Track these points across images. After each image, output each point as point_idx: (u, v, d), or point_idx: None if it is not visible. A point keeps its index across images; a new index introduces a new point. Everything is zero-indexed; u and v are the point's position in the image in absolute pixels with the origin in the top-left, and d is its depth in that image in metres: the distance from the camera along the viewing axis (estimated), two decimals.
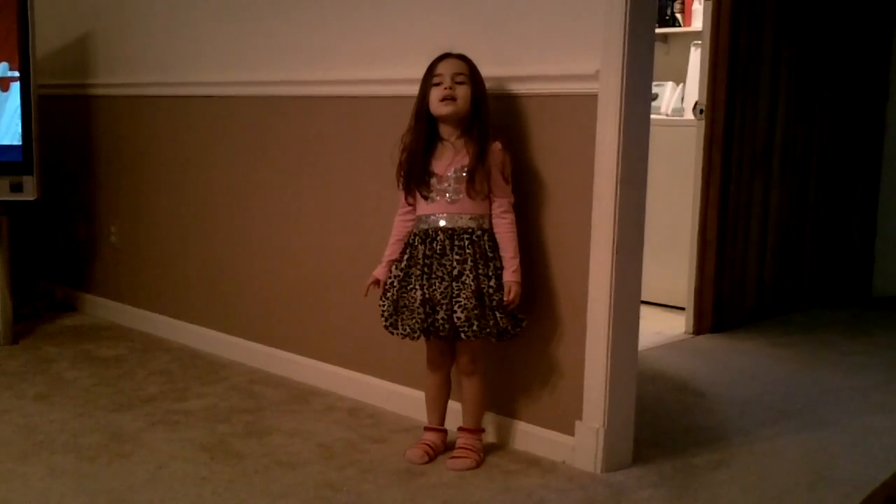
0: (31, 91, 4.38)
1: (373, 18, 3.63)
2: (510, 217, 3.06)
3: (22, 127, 4.39)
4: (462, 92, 3.02)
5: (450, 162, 3.03)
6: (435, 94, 3.03)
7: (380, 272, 3.15)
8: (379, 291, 3.14)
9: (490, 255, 3.02)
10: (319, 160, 3.87)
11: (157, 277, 4.75)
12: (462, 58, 3.06)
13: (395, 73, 3.53)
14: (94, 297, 5.16)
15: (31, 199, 4.43)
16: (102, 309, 5.09)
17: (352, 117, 3.74)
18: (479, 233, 3.02)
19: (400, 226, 3.15)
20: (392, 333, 3.11)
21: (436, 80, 3.03)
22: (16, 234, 4.61)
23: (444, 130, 3.07)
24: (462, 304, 2.97)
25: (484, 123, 3.04)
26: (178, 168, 4.56)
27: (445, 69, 3.03)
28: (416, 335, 3.05)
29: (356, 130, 3.72)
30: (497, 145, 3.04)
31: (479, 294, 2.98)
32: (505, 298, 3.00)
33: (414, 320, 3.02)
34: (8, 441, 3.27)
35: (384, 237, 3.21)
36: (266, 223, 4.12)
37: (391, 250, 3.15)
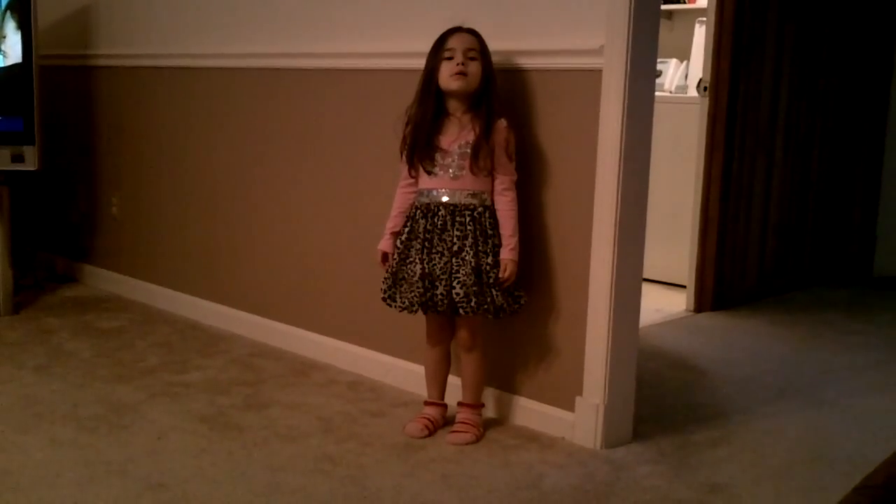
0: (33, 61, 4.36)
1: None
2: (511, 195, 3.05)
3: (23, 97, 4.38)
4: (474, 68, 3.00)
5: (455, 137, 3.02)
6: (446, 68, 3.01)
7: (385, 245, 3.16)
8: (387, 264, 3.15)
9: (490, 232, 3.01)
10: (321, 133, 3.86)
11: (158, 249, 4.75)
12: (473, 32, 3.03)
13: (399, 46, 3.51)
14: (94, 268, 5.16)
15: (32, 169, 4.42)
16: (103, 280, 5.08)
17: (354, 90, 3.72)
18: (480, 209, 3.01)
19: (401, 198, 3.15)
20: (390, 306, 3.11)
21: (447, 53, 3.01)
22: (16, 205, 4.61)
23: (452, 105, 3.05)
24: (461, 280, 2.97)
25: (491, 100, 3.02)
26: (179, 140, 4.55)
27: (457, 43, 3.01)
28: (414, 308, 3.05)
29: (358, 104, 3.71)
30: (502, 122, 3.02)
31: (477, 271, 2.97)
32: (500, 276, 3.00)
33: (413, 293, 3.02)
34: (8, 411, 3.27)
35: (384, 210, 3.20)
36: (267, 196, 4.12)
37: (393, 222, 3.14)
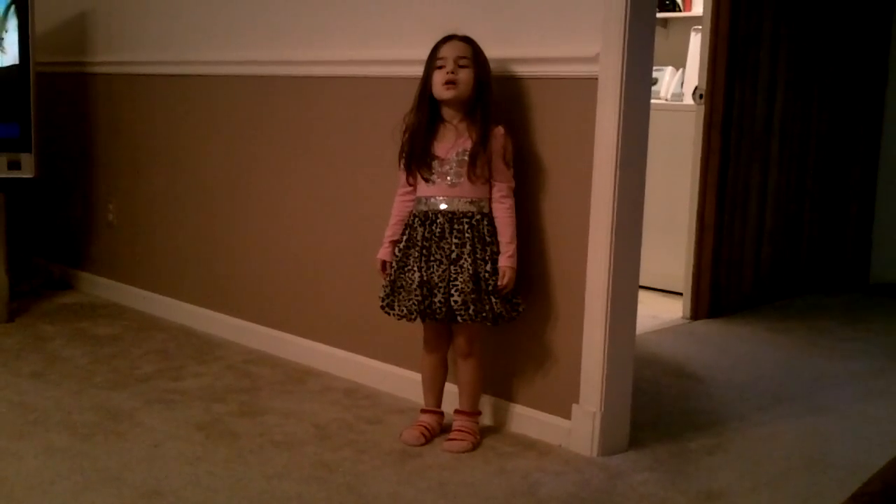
0: (30, 68, 4.36)
1: None
2: (509, 202, 3.05)
3: (20, 104, 4.37)
4: (464, 76, 3.00)
5: (452, 145, 3.02)
6: (437, 77, 3.01)
7: (384, 253, 3.16)
8: (385, 272, 3.14)
9: (488, 239, 3.01)
10: (317, 140, 3.86)
11: (154, 256, 4.74)
12: (466, 40, 3.04)
13: (393, 53, 3.51)
14: (90, 275, 5.16)
15: (29, 176, 4.43)
16: (99, 287, 5.08)
17: (349, 98, 3.72)
18: (478, 217, 3.01)
19: (400, 206, 3.15)
20: (388, 314, 3.11)
21: (439, 62, 3.02)
22: (13, 212, 4.60)
23: (447, 113, 3.05)
24: (459, 288, 2.96)
25: (487, 107, 3.02)
26: (175, 147, 4.55)
27: (449, 52, 3.01)
28: (412, 317, 3.05)
29: (353, 111, 3.71)
30: (500, 130, 3.02)
31: (475, 278, 2.97)
32: (499, 283, 2.99)
33: (411, 301, 3.02)
34: (2, 419, 3.26)
35: (381, 218, 3.20)
36: (263, 203, 4.11)
37: (392, 231, 3.14)
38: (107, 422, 3.25)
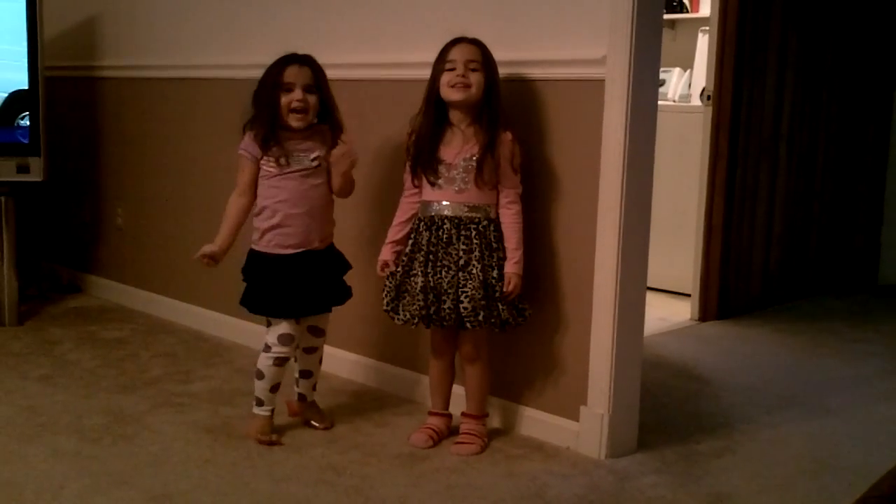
0: (39, 72, 4.38)
1: (379, 1, 3.62)
2: (516, 207, 3.03)
3: (29, 108, 4.39)
4: (476, 79, 2.96)
5: (459, 150, 3.01)
6: (446, 78, 2.98)
7: (384, 253, 3.14)
8: (386, 271, 3.13)
9: (495, 245, 3.00)
10: None
11: (163, 259, 4.75)
12: (476, 43, 3.01)
13: (401, 56, 3.51)
14: (99, 278, 5.17)
15: (38, 180, 4.44)
16: (107, 291, 5.09)
17: (356, 101, 3.72)
18: (485, 223, 3.00)
19: (405, 208, 3.13)
20: (392, 319, 3.10)
21: (448, 65, 2.99)
22: (22, 216, 4.61)
23: (455, 116, 3.03)
24: (469, 294, 2.95)
25: (494, 112, 2.99)
26: (183, 150, 4.56)
27: (459, 55, 2.99)
28: (415, 322, 3.04)
29: (360, 114, 3.70)
30: (507, 135, 3.00)
31: (485, 284, 2.96)
32: (504, 290, 2.98)
33: (414, 307, 3.01)
34: (11, 422, 3.27)
35: (386, 221, 3.20)
36: None
37: (394, 232, 3.13)
38: (115, 425, 3.25)
